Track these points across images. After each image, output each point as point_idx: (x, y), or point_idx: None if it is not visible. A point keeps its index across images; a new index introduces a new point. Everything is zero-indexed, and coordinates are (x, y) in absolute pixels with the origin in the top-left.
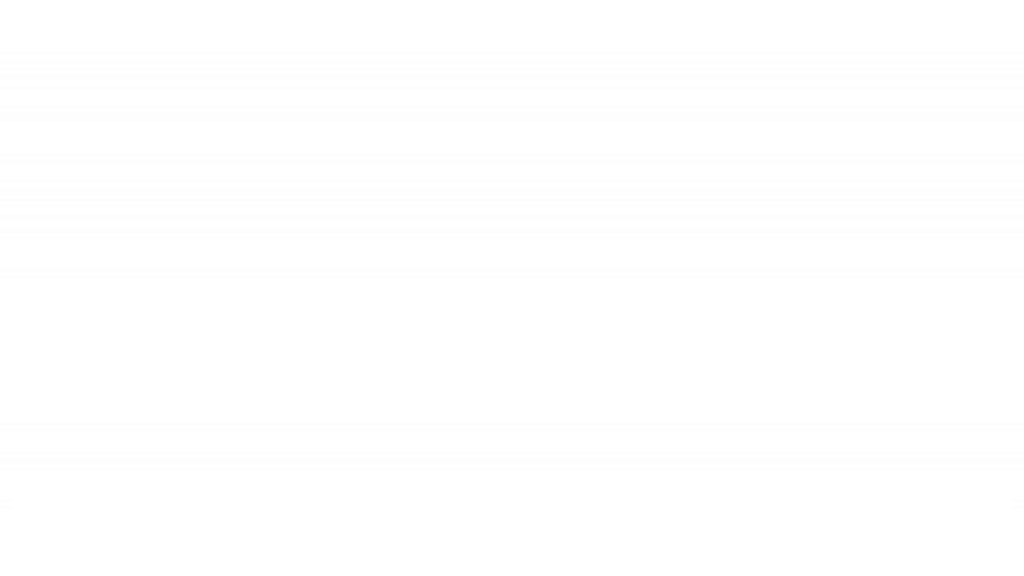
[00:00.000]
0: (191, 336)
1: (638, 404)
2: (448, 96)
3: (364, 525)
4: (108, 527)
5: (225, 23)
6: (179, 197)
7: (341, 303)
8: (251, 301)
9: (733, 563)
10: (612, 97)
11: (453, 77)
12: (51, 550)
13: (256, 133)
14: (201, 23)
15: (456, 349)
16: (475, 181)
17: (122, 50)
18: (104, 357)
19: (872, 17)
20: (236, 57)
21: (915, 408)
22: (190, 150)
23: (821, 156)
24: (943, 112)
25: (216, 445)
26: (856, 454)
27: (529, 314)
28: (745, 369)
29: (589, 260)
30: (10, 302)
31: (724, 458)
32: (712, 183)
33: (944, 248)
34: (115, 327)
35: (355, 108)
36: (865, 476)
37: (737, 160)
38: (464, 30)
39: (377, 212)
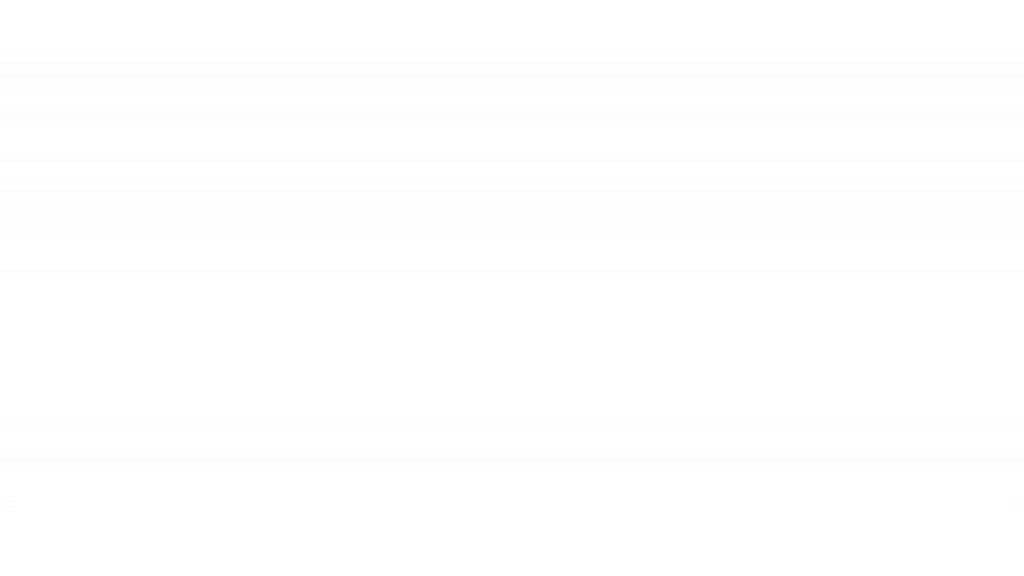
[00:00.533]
0: (191, 336)
1: (638, 404)
2: (448, 96)
3: (364, 525)
4: (108, 527)
5: (225, 23)
6: (179, 197)
7: (341, 303)
8: (251, 301)
9: (733, 563)
10: (612, 97)
11: (453, 77)
12: (51, 550)
13: (256, 133)
14: (201, 23)
15: (456, 349)
16: (475, 181)
17: (122, 50)
18: (104, 357)
19: (872, 17)
20: (236, 57)
21: (915, 408)
22: (190, 150)
23: (821, 156)
24: (943, 112)
25: (216, 445)
26: (856, 454)
27: (529, 314)
28: (745, 369)
29: (589, 260)
30: (10, 302)
31: (724, 458)
32: (712, 183)
33: (944, 248)
34: (115, 327)
35: (355, 108)
36: (865, 476)
37: (737, 160)
38: (464, 30)
39: (377, 212)
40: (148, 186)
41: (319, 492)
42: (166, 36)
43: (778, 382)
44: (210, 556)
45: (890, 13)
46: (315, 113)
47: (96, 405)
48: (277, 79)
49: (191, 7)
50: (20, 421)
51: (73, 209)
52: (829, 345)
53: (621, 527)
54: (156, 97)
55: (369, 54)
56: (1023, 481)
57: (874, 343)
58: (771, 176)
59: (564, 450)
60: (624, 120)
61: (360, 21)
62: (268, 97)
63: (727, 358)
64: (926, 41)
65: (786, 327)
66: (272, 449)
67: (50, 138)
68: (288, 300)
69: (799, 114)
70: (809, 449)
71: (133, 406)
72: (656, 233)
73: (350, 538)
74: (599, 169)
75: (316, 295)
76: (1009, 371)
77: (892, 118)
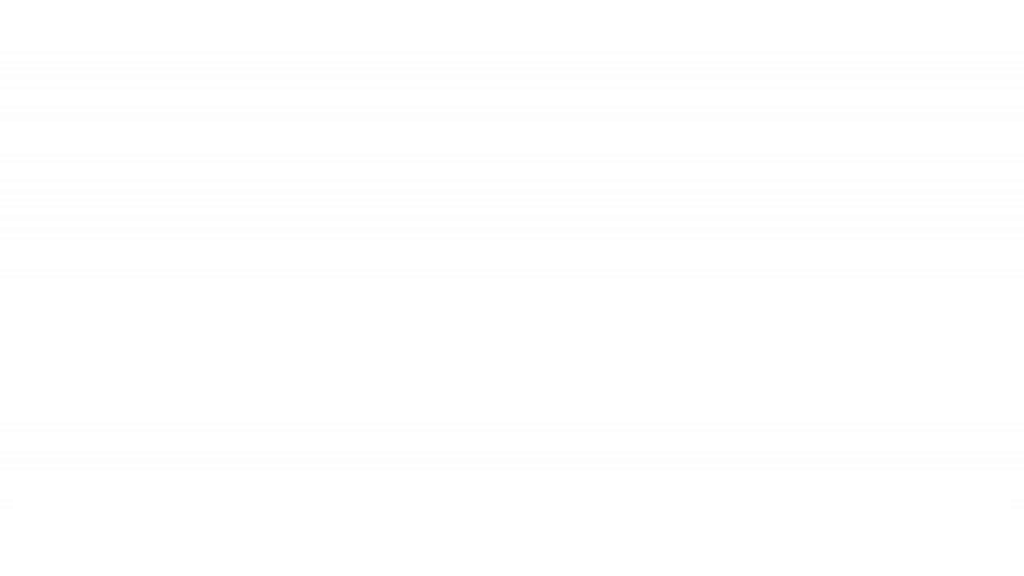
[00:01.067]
0: (191, 336)
1: (638, 404)
2: (448, 96)
3: (364, 525)
4: (108, 527)
5: (225, 23)
6: (179, 197)
7: (341, 303)
8: (251, 301)
9: (733, 563)
10: (612, 97)
11: (453, 77)
12: (51, 550)
13: (256, 133)
14: (201, 23)
15: (456, 349)
16: (475, 181)
17: (122, 50)
18: (104, 357)
19: (872, 17)
20: (236, 57)
21: (915, 408)
22: (190, 150)
23: (821, 156)
24: (943, 112)
25: (216, 445)
26: (856, 454)
27: (529, 314)
28: (745, 369)
29: (589, 260)
30: (10, 302)
31: (724, 458)
32: (712, 183)
33: (944, 248)
34: (115, 327)
35: (355, 108)
36: (865, 476)
37: (737, 160)
38: (464, 30)
39: (377, 212)
40: (148, 186)
41: (319, 492)
42: (166, 36)
43: (778, 382)
44: (210, 556)
45: (890, 13)
46: (315, 113)
47: (96, 405)
48: (277, 79)
49: (191, 7)
50: (20, 421)
51: (73, 209)
52: (829, 345)
53: (621, 527)
54: (156, 97)
55: (369, 54)
56: (1023, 481)
57: (874, 343)
58: (771, 176)
59: (564, 450)
60: (624, 120)
61: (360, 21)
62: (268, 97)
63: (727, 358)
64: (926, 41)
65: (786, 327)
66: (272, 449)
67: (50, 138)
68: (288, 300)
69: (799, 114)
70: (809, 449)
71: (133, 406)
72: (656, 233)
73: (350, 538)
74: (599, 169)
75: (316, 295)
76: (1009, 371)
77: (892, 118)
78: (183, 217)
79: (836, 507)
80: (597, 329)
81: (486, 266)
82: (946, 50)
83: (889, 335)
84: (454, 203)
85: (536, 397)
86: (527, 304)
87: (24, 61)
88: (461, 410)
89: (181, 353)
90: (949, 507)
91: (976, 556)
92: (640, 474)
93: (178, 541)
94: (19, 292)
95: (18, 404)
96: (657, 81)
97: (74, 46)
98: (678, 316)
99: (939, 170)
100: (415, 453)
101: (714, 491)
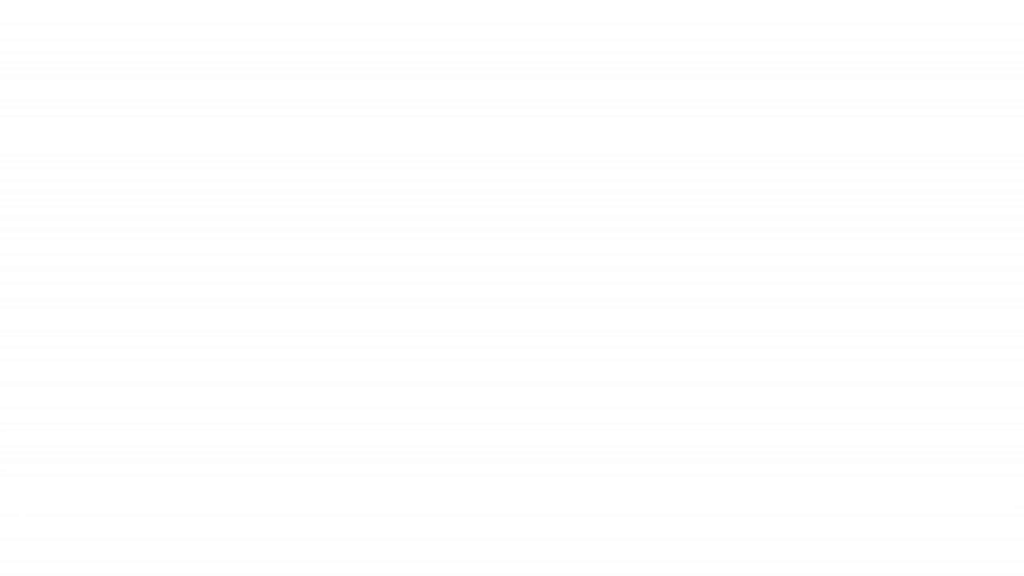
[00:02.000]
0: (191, 336)
1: (638, 404)
2: (448, 95)
3: (364, 525)
4: (108, 527)
5: (225, 22)
6: (179, 197)
7: (341, 303)
8: (251, 301)
9: (733, 563)
10: (612, 96)
11: (453, 77)
12: (51, 550)
13: (256, 133)
14: (201, 21)
15: (456, 349)
16: (475, 181)
17: (122, 49)
18: (104, 357)
19: (872, 17)
20: (236, 56)
21: (915, 408)
22: (190, 150)
23: (821, 156)
24: (943, 112)
25: (216, 445)
26: (856, 454)
27: (529, 314)
28: (745, 369)
29: (589, 260)
30: (10, 302)
31: (724, 458)
32: (712, 183)
33: (944, 248)
34: (115, 327)
35: (355, 107)
36: (865, 476)
37: (737, 160)
38: (464, 29)
39: (377, 212)
40: (148, 186)
41: (319, 491)
42: (166, 35)
43: (778, 381)
44: (210, 556)
45: (890, 13)
46: (315, 112)
47: (96, 405)
48: (277, 78)
49: (191, 7)
50: (20, 421)
51: (73, 209)
52: (829, 345)
53: (621, 527)
54: (156, 96)
55: (369, 53)
56: (1023, 481)
57: (874, 343)
58: (771, 176)
59: (564, 450)
60: (624, 120)
61: (360, 19)
62: (268, 97)
63: (727, 358)
64: (926, 41)
65: (786, 327)
66: (272, 448)
67: (50, 138)
68: (288, 300)
69: (799, 113)
70: (809, 449)
71: (133, 406)
72: (656, 233)
73: (350, 538)
74: (599, 169)
75: (316, 295)
76: (1009, 371)
77: (892, 118)
78: (183, 217)
79: (838, 505)
80: (597, 329)
81: (486, 266)
82: (946, 50)
83: (889, 335)
84: (454, 203)
85: (536, 397)
86: (527, 304)
87: (24, 61)
88: (461, 410)
89: (180, 352)
90: (949, 507)
91: (976, 556)
92: (641, 473)
93: (178, 541)
94: (19, 292)
95: (18, 404)
96: (657, 80)
97: (74, 46)
98: (678, 316)
99: (939, 170)
100: (415, 453)
101: (714, 491)
